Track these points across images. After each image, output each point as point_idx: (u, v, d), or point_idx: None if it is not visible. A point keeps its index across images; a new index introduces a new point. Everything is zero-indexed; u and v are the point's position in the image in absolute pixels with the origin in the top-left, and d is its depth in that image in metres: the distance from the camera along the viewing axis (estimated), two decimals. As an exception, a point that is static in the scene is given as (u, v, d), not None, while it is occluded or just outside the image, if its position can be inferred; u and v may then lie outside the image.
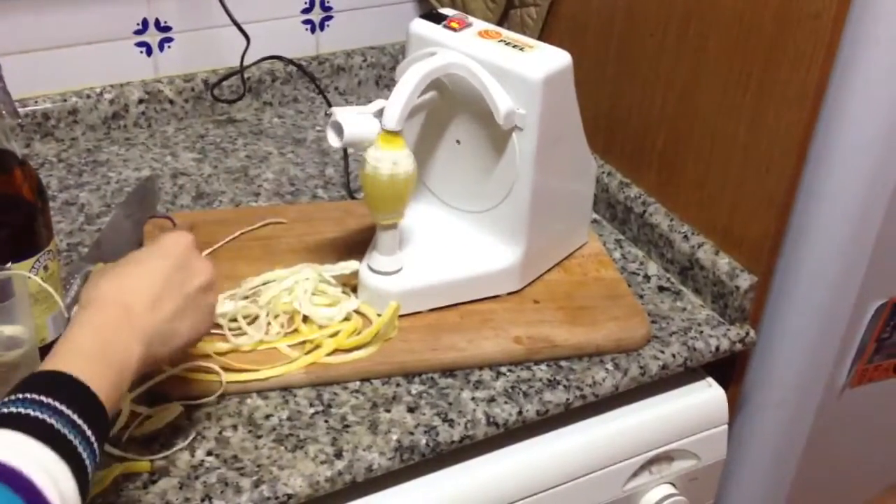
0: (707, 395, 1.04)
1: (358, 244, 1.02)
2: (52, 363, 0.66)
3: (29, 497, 0.57)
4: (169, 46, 1.27)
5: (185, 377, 0.87)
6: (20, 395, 0.62)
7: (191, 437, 0.84)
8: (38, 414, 0.61)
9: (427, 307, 0.98)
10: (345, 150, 1.20)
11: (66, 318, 0.90)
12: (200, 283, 0.77)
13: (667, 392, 1.03)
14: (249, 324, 0.93)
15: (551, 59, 0.94)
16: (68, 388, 0.64)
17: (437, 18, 0.98)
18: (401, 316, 0.96)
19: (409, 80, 0.90)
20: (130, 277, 0.74)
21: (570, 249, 1.08)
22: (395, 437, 0.86)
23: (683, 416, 1.02)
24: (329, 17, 1.36)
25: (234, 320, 0.93)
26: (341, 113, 0.91)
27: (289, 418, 0.87)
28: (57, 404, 0.62)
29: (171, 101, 1.28)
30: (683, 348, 0.99)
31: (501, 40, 0.95)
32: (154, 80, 1.27)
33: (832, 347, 1.05)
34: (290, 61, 1.32)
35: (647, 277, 1.09)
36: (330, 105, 1.28)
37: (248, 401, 0.89)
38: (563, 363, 0.96)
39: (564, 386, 0.93)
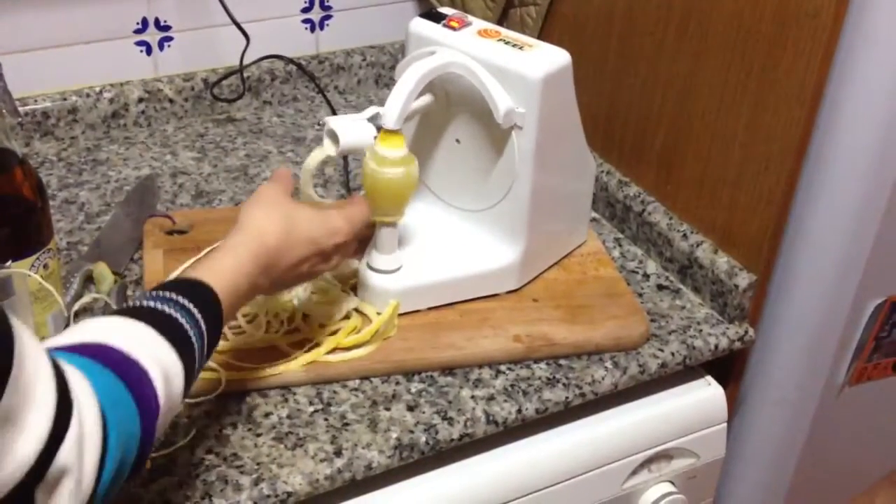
0: (706, 394, 1.04)
1: (357, 243, 1.02)
2: (199, 273, 0.73)
3: (142, 397, 0.62)
4: (169, 45, 1.27)
5: (185, 375, 0.87)
6: (164, 294, 0.69)
7: (190, 435, 0.84)
8: (178, 316, 0.68)
9: (426, 306, 0.98)
10: (344, 150, 1.20)
11: (65, 317, 0.90)
12: (336, 242, 0.85)
13: (666, 390, 1.03)
14: (249, 322, 0.93)
15: (551, 58, 0.94)
16: (204, 297, 0.71)
17: (437, 17, 0.98)
18: (400, 314, 0.96)
19: (409, 80, 0.91)
20: (290, 232, 0.81)
21: (570, 248, 1.08)
22: (394, 435, 0.86)
23: (682, 414, 1.02)
24: (329, 17, 1.37)
25: (234, 318, 0.93)
26: (335, 121, 0.91)
27: (288, 416, 0.87)
28: (195, 311, 0.69)
29: (170, 100, 1.28)
30: (682, 347, 0.99)
31: (501, 39, 0.95)
32: (154, 79, 1.27)
33: (831, 346, 1.05)
34: (290, 60, 1.32)
35: (646, 276, 1.09)
36: (330, 104, 1.28)
37: (248, 399, 0.89)
38: (562, 361, 0.96)
39: (564, 384, 0.93)
